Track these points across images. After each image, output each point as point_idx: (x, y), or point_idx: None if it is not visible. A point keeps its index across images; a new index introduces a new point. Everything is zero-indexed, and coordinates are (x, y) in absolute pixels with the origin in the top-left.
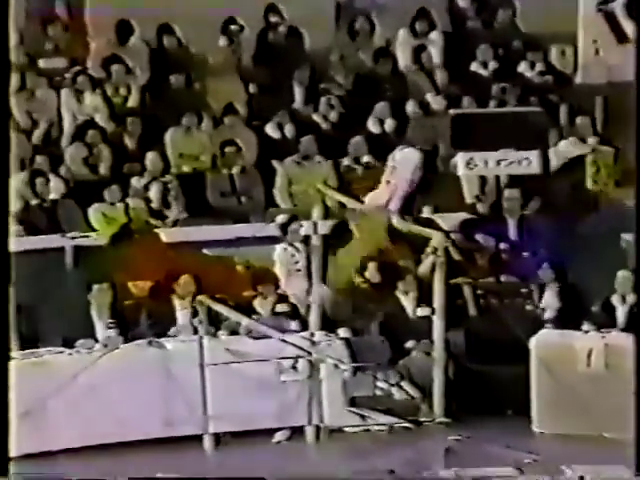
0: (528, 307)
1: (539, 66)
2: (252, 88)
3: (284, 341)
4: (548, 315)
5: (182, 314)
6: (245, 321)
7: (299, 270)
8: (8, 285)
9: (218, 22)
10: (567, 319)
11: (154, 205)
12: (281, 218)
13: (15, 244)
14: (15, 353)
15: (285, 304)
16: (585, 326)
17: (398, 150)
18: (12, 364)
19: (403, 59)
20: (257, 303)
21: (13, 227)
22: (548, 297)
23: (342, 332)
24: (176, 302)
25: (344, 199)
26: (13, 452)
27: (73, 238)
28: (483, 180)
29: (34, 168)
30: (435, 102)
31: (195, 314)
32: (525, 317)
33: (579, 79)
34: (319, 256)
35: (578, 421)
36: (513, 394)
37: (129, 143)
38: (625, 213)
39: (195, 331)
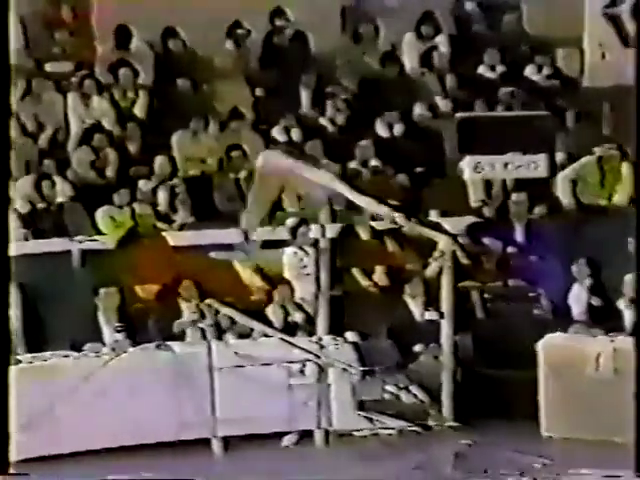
0: (536, 311)
1: (546, 70)
2: (258, 92)
3: (293, 345)
4: (576, 311)
5: (190, 318)
6: (254, 324)
7: (308, 274)
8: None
9: (224, 26)
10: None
11: (161, 209)
12: (291, 221)
13: (22, 247)
14: (21, 357)
15: (298, 310)
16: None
17: None
18: (18, 368)
19: (409, 62)
20: (270, 310)
21: (19, 231)
22: (577, 292)
23: (350, 336)
24: (183, 305)
25: (356, 198)
26: (20, 455)
27: (80, 242)
28: (489, 184)
29: (41, 172)
30: (442, 105)
31: (202, 317)
32: (533, 321)
33: (585, 82)
34: (327, 260)
35: (587, 425)
36: (522, 398)
37: (133, 147)
38: (632, 216)
39: (203, 334)
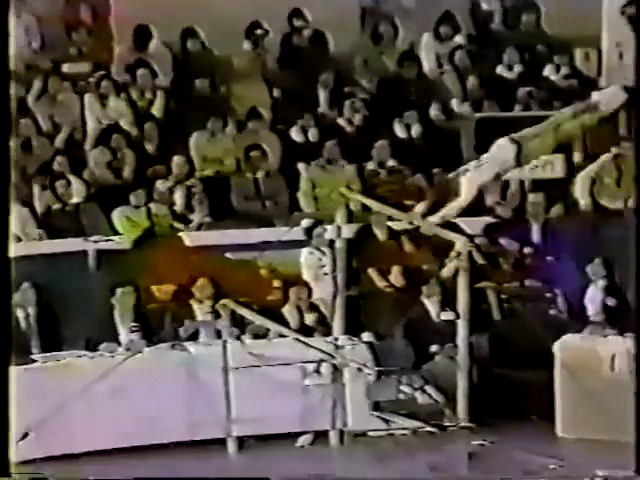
0: (552, 311)
1: (564, 69)
2: (276, 92)
3: (308, 345)
4: (591, 312)
5: (203, 318)
6: (270, 324)
7: (326, 274)
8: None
9: (242, 26)
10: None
11: (178, 209)
12: (306, 222)
13: (37, 247)
14: (36, 356)
15: (314, 312)
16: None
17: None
18: (33, 366)
19: (428, 63)
20: (286, 310)
21: (35, 231)
22: (593, 294)
23: (366, 336)
24: (195, 306)
25: (370, 202)
26: (33, 455)
27: (96, 242)
28: (505, 184)
29: (54, 171)
30: (460, 106)
31: (217, 318)
32: (549, 321)
33: (603, 82)
34: (343, 260)
35: (602, 426)
36: (537, 399)
37: (150, 147)
38: None
39: (218, 335)
